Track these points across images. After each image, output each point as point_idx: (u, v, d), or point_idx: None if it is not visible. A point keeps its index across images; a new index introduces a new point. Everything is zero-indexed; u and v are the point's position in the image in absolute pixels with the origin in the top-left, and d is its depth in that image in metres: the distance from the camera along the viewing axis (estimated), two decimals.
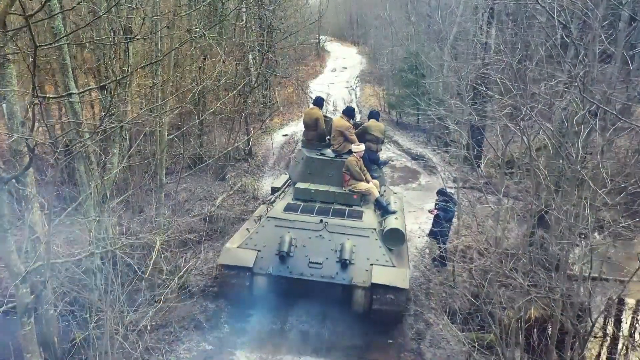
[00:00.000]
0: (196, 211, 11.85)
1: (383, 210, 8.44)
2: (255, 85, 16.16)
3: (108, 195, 7.29)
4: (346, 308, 7.31)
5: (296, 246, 7.26)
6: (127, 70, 6.31)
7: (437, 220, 9.04)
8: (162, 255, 8.34)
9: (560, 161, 8.14)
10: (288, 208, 7.85)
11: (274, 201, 8.54)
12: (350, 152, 8.52)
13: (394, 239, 7.47)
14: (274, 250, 7.20)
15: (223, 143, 15.22)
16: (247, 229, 7.85)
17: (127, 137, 9.26)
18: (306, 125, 9.43)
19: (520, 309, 6.80)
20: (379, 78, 29.15)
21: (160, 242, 6.07)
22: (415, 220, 12.10)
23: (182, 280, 8.18)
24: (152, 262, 5.92)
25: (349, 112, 8.94)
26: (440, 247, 9.18)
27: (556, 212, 6.85)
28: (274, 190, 9.59)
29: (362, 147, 8.46)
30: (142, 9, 5.72)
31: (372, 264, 7.08)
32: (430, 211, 9.21)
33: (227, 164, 13.84)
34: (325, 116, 9.58)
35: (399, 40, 23.63)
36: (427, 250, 10.09)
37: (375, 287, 6.87)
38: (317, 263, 7.09)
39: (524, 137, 5.96)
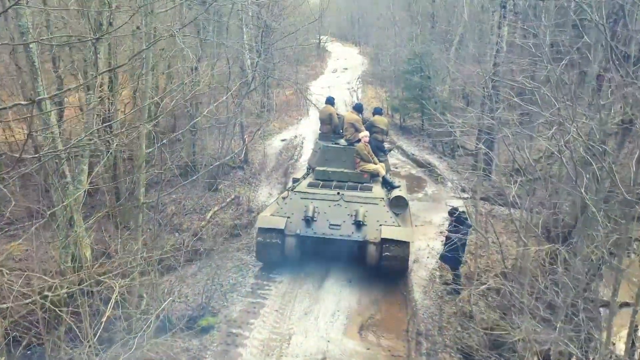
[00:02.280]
0: (185, 226, 10.90)
1: (389, 186, 9.85)
2: (252, 88, 15.22)
3: (75, 218, 6.35)
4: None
5: (318, 213, 8.59)
6: (96, 72, 5.35)
7: (449, 243, 8.06)
8: (140, 281, 7.41)
9: (587, 176, 7.21)
10: (311, 185, 9.30)
11: (294, 187, 9.69)
12: (359, 140, 9.93)
13: (399, 204, 8.93)
14: (301, 216, 8.52)
15: (217, 149, 14.28)
16: (277, 202, 9.30)
17: (114, 144, 8.32)
18: (322, 120, 10.80)
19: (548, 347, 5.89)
20: (381, 79, 28.19)
21: (119, 287, 5.12)
22: (424, 235, 11.11)
23: (164, 313, 7.23)
24: (109, 310, 4.94)
25: (358, 108, 10.65)
26: (453, 273, 8.23)
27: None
28: (295, 180, 10.89)
29: (367, 133, 10.04)
30: (111, 4, 4.83)
31: (381, 225, 8.39)
32: (441, 232, 8.23)
33: (218, 179, 12.84)
34: (337, 113, 10.98)
35: (402, 41, 22.67)
36: (438, 273, 9.11)
37: (384, 242, 8.17)
38: (336, 225, 8.44)
39: (562, 157, 5.01)
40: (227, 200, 12.26)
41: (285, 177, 15.18)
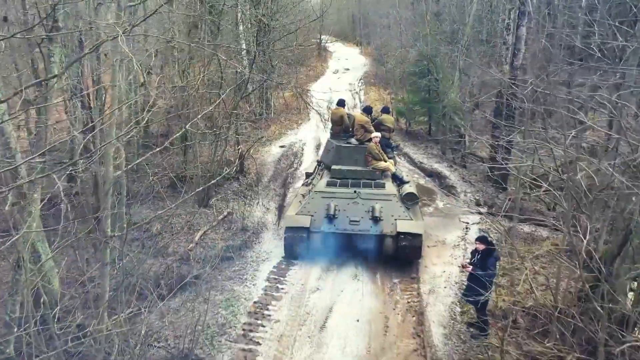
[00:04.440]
0: (171, 249, 9.73)
1: (399, 181, 10.53)
2: (250, 91, 14.07)
3: (25, 258, 5.18)
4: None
5: (339, 210, 9.32)
6: (45, 76, 4.17)
7: (473, 279, 6.84)
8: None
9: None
10: (329, 184, 9.93)
11: (310, 183, 10.56)
12: (369, 140, 10.57)
13: (410, 200, 9.70)
14: (323, 214, 9.25)
15: (210, 159, 13.11)
16: (300, 201, 9.80)
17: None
18: (333, 121, 11.50)
19: None
20: (385, 81, 27.01)
21: None
22: (438, 258, 9.94)
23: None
24: None
25: (367, 110, 11.46)
26: (478, 314, 7.02)
27: None
28: (308, 175, 11.55)
29: (378, 134, 10.67)
30: None
31: (395, 219, 9.22)
32: (464, 266, 7.00)
33: (210, 192, 11.65)
34: (347, 114, 11.56)
35: (408, 41, 21.48)
36: (458, 309, 7.92)
37: (399, 234, 9.01)
38: (355, 221, 9.21)
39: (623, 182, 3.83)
40: (219, 217, 11.06)
41: (284, 188, 14.01)
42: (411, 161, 16.92)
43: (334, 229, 9.16)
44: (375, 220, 9.15)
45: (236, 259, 9.65)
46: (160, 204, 11.35)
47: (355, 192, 9.59)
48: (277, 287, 8.52)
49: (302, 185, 11.07)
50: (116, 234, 5.68)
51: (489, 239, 7.09)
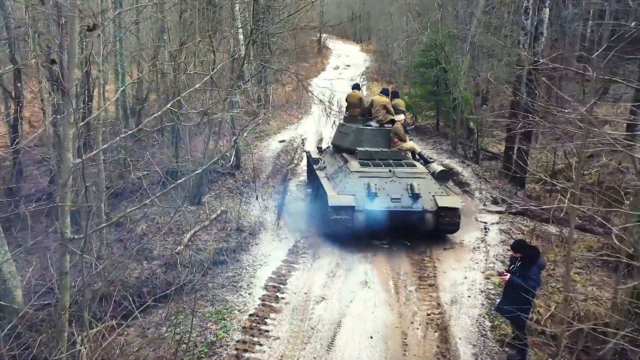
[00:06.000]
0: (156, 253, 8.60)
1: (424, 160, 10.91)
2: (246, 79, 12.97)
3: None
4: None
5: (378, 189, 9.35)
6: None
7: (510, 290, 5.73)
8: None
9: None
10: (362, 164, 9.98)
11: (324, 167, 10.91)
12: (390, 121, 10.94)
13: (444, 177, 10.17)
14: (364, 193, 9.25)
15: (203, 152, 12.00)
16: (334, 182, 9.88)
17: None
18: (351, 104, 11.85)
19: None
20: (389, 75, 25.95)
21: None
22: (457, 262, 8.84)
23: None
24: None
25: (385, 91, 11.80)
26: (517, 332, 5.88)
27: None
28: (320, 149, 12.27)
29: (402, 116, 11.15)
30: None
31: (433, 195, 9.38)
32: (499, 274, 5.89)
33: (202, 188, 10.54)
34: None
35: (415, 30, 20.36)
36: (488, 323, 6.80)
37: (440, 209, 9.18)
38: (397, 198, 9.32)
39: None
40: (212, 216, 9.93)
41: (283, 185, 12.90)
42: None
43: (377, 207, 9.14)
44: (415, 197, 9.29)
45: (230, 263, 8.54)
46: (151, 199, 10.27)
47: (390, 171, 9.71)
48: (277, 296, 7.39)
49: (317, 170, 11.41)
50: (77, 237, 4.56)
51: (531, 243, 5.97)
